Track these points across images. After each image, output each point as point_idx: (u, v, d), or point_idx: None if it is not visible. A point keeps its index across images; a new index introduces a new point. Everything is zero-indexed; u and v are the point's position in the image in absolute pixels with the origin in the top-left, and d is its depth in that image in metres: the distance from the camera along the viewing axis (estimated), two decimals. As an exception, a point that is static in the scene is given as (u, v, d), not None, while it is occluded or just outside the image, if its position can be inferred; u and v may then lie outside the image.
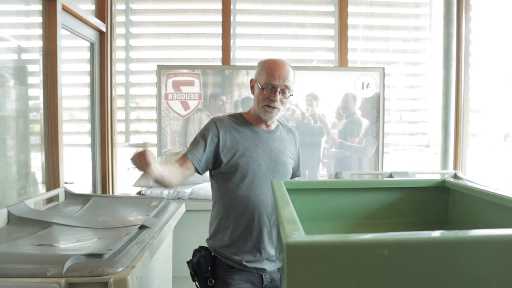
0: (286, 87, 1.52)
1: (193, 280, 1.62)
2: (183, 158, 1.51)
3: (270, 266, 1.57)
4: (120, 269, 1.21)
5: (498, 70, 3.01)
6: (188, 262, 1.63)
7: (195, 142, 1.56)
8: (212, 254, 1.60)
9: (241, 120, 1.62)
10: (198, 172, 1.56)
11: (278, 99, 1.51)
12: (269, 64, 1.55)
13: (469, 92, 3.22)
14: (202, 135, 1.55)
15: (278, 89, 1.51)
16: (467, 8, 3.19)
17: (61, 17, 2.31)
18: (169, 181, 1.44)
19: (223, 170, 1.56)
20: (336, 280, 0.60)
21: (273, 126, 1.64)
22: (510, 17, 2.70)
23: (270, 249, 1.56)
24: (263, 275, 1.57)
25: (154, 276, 1.69)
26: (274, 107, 1.52)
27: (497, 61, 3.02)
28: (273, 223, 1.07)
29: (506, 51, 2.87)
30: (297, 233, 0.62)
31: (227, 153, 1.54)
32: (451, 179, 1.23)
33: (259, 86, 1.54)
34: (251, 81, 1.63)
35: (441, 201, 1.28)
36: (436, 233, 0.63)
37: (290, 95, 1.56)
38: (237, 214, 1.56)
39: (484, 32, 3.14)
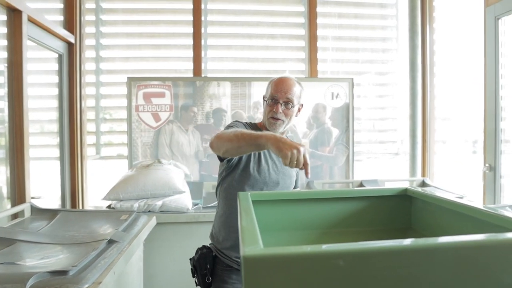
0: (288, 99, 1.63)
1: (193, 276, 1.71)
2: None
3: None
4: (86, 286, 1.19)
5: (462, 79, 3.12)
6: (190, 259, 1.73)
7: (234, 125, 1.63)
8: (213, 253, 1.70)
9: (256, 128, 1.72)
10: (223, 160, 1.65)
11: (281, 110, 1.63)
12: (275, 80, 1.69)
13: (435, 101, 3.33)
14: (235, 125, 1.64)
15: (281, 101, 1.63)
16: (431, 20, 3.31)
17: (27, 28, 2.27)
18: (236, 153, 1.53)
19: (235, 171, 1.65)
20: (294, 291, 0.62)
21: None
22: (472, 26, 2.82)
23: None
24: None
25: (123, 291, 1.66)
26: (278, 119, 1.64)
27: (460, 71, 3.14)
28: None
29: (469, 60, 2.99)
30: (254, 246, 0.63)
31: (238, 158, 1.64)
32: (413, 188, 1.27)
33: (265, 100, 1.70)
34: (263, 97, 1.76)
35: (405, 209, 1.32)
36: (389, 242, 0.65)
37: (293, 107, 1.65)
38: (228, 222, 1.66)
39: (447, 43, 3.27)
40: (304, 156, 1.26)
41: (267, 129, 1.71)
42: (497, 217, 0.87)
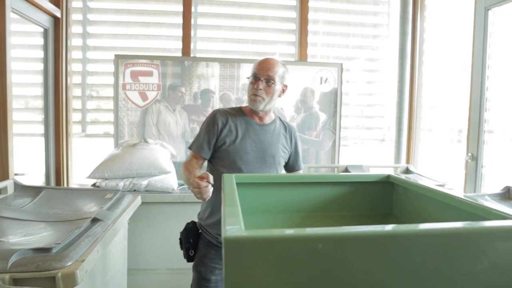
0: (269, 76, 1.68)
1: (181, 249, 1.81)
2: (195, 155, 1.76)
3: None
4: (69, 263, 1.19)
5: (450, 68, 3.15)
6: (181, 232, 1.83)
7: (199, 135, 1.78)
8: (199, 230, 1.81)
9: (238, 112, 1.81)
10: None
11: (261, 87, 1.68)
12: (259, 60, 1.75)
13: (422, 89, 3.35)
14: (205, 127, 1.77)
15: (262, 78, 1.69)
16: (422, 8, 3.31)
17: (10, 0, 2.20)
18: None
19: (216, 155, 1.76)
20: (272, 273, 0.63)
21: (267, 120, 1.81)
22: (462, 16, 2.83)
23: None
24: None
25: (107, 269, 1.68)
26: (258, 95, 1.69)
27: (449, 59, 3.16)
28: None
29: (457, 50, 3.01)
30: (235, 228, 0.65)
31: (221, 140, 1.74)
32: (395, 175, 1.29)
33: (248, 79, 1.75)
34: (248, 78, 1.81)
35: (387, 195, 1.34)
36: (366, 228, 0.67)
37: (274, 84, 1.70)
38: (212, 198, 1.71)
39: (437, 31, 3.27)
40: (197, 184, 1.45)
41: (250, 112, 1.79)
42: (474, 206, 0.89)
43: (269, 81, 1.69)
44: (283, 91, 1.80)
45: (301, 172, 1.94)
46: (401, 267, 0.67)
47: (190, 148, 1.79)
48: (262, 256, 0.62)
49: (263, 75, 1.69)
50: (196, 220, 1.88)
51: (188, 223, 1.84)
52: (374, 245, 0.65)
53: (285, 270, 0.63)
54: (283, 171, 1.90)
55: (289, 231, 0.65)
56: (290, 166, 1.90)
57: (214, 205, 1.73)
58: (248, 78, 1.76)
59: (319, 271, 0.65)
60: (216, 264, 1.75)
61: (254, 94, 1.70)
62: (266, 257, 0.62)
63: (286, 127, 1.87)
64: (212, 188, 1.47)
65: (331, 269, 0.65)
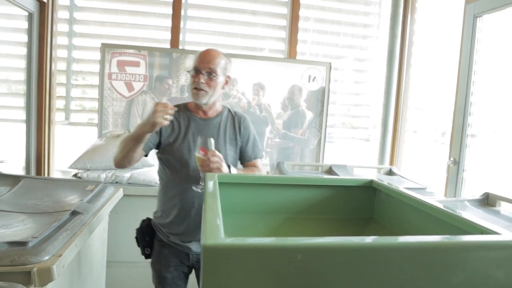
0: (211, 69, 1.64)
1: (138, 246, 1.82)
2: None
3: (197, 247, 1.72)
4: (46, 258, 1.17)
5: (437, 71, 3.18)
6: (136, 230, 1.83)
7: None
8: (153, 227, 1.80)
9: (182, 109, 1.77)
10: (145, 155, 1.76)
11: (203, 80, 1.64)
12: (199, 52, 1.70)
13: (409, 91, 3.38)
14: None
15: (203, 72, 1.64)
16: (412, 10, 3.33)
17: (-5, -17, 2.14)
18: (137, 155, 1.65)
19: (162, 153, 1.73)
20: (251, 282, 0.63)
21: (211, 114, 1.76)
22: (451, 21, 2.85)
23: (199, 233, 1.66)
24: (190, 255, 1.72)
25: (85, 262, 1.65)
26: (200, 89, 1.64)
27: (437, 63, 3.19)
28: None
29: (445, 54, 3.04)
30: (215, 235, 0.64)
31: (165, 138, 1.71)
32: (378, 180, 1.30)
33: (189, 72, 1.70)
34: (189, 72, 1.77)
35: (369, 200, 1.35)
36: (346, 239, 0.67)
37: (216, 77, 1.65)
38: (170, 195, 1.72)
39: (426, 35, 3.30)
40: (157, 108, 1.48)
41: (195, 107, 1.76)
42: (453, 217, 0.90)
43: (211, 73, 1.65)
44: (226, 82, 1.76)
45: (258, 161, 1.84)
46: (379, 279, 0.67)
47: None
48: (241, 264, 0.62)
49: (204, 68, 1.64)
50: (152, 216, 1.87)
51: (143, 220, 1.82)
52: (353, 257, 0.65)
53: (264, 279, 0.63)
54: (238, 165, 1.84)
55: (269, 240, 0.65)
56: (244, 156, 1.81)
57: (165, 205, 1.74)
58: (188, 72, 1.71)
59: (299, 281, 0.65)
60: (170, 262, 1.75)
61: (196, 88, 1.66)
62: (245, 265, 0.62)
63: (234, 117, 1.81)
64: (168, 118, 1.50)
65: (310, 279, 0.65)
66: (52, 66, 2.94)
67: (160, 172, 1.79)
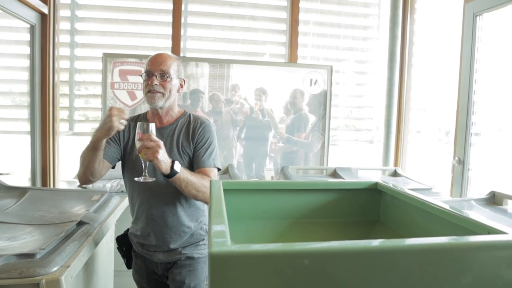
0: (162, 71, 1.59)
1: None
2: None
3: (164, 256, 1.68)
4: (54, 269, 1.17)
5: (439, 71, 3.18)
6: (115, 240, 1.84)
7: (106, 142, 1.62)
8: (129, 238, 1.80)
9: (141, 119, 1.72)
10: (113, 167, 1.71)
11: (156, 82, 1.58)
12: (149, 57, 1.65)
13: (411, 91, 3.38)
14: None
15: (156, 74, 1.58)
16: (412, 11, 3.33)
17: (-3, -3, 2.16)
18: (98, 166, 1.56)
19: (125, 168, 1.71)
20: (259, 288, 0.63)
21: (167, 121, 1.69)
22: (451, 20, 2.86)
23: (166, 243, 1.66)
24: (158, 264, 1.70)
25: (93, 273, 1.66)
26: (155, 91, 1.58)
27: (438, 62, 3.19)
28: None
29: (446, 53, 3.04)
30: (222, 242, 0.64)
31: (123, 151, 1.69)
32: (383, 182, 1.30)
33: (142, 77, 1.65)
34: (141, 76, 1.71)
35: (374, 202, 1.35)
36: (352, 243, 0.67)
37: (169, 78, 1.60)
38: (133, 207, 1.72)
39: (427, 34, 3.30)
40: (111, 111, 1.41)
41: (152, 116, 1.69)
42: (459, 217, 0.90)
43: (164, 75, 1.59)
44: (181, 85, 1.71)
45: (208, 170, 1.63)
46: (387, 282, 0.67)
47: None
48: (249, 271, 0.62)
49: (156, 70, 1.58)
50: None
51: (125, 231, 1.82)
52: (360, 260, 0.66)
53: (272, 285, 0.63)
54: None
55: (276, 246, 0.65)
56: (195, 162, 1.65)
57: (134, 215, 1.73)
58: (141, 76, 1.64)
59: (307, 286, 0.65)
60: (145, 272, 1.75)
61: (150, 91, 1.58)
62: (252, 272, 0.62)
63: (190, 123, 1.68)
64: (123, 122, 1.43)
65: (318, 284, 0.65)
66: (55, 77, 2.96)
67: (126, 188, 1.77)
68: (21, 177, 2.76)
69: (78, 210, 1.78)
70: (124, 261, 1.80)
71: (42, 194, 1.96)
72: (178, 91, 1.69)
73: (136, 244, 1.74)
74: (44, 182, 2.89)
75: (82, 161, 1.56)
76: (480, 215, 1.01)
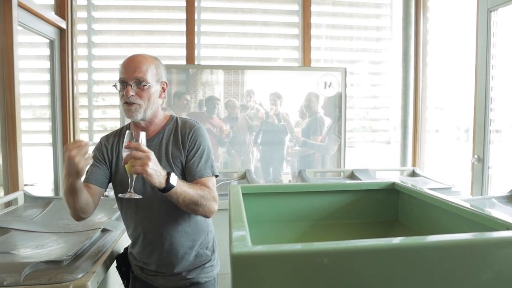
0: (137, 78, 1.35)
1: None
2: (85, 185, 1.38)
3: (166, 281, 1.49)
4: (80, 275, 1.21)
5: (455, 69, 3.15)
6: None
7: (91, 165, 1.44)
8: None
9: (123, 131, 1.51)
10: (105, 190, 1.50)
11: (132, 92, 1.35)
12: (123, 61, 1.42)
13: (427, 90, 3.35)
14: (95, 157, 1.45)
15: (130, 83, 1.35)
16: (424, 9, 3.31)
17: (17, 14, 2.24)
18: (85, 203, 1.33)
19: (114, 188, 1.51)
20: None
21: (153, 131, 1.47)
22: (465, 17, 2.83)
23: (168, 267, 1.48)
24: None
25: (116, 279, 1.69)
26: (132, 103, 1.36)
27: (453, 60, 3.16)
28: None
29: (461, 50, 3.01)
30: (242, 243, 0.66)
31: (109, 169, 1.48)
32: (400, 182, 1.30)
33: (115, 86, 1.42)
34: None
35: (392, 202, 1.35)
36: (371, 241, 0.68)
37: (146, 86, 1.36)
38: (128, 230, 1.53)
39: (440, 32, 3.27)
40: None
41: (135, 128, 1.48)
42: (478, 215, 0.90)
43: (140, 83, 1.36)
44: (164, 90, 1.47)
45: (206, 180, 1.43)
46: (405, 279, 0.68)
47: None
48: (269, 271, 0.64)
49: (130, 79, 1.35)
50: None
51: (125, 249, 1.61)
52: (379, 258, 0.67)
53: (293, 284, 0.65)
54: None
55: (296, 246, 0.67)
56: (189, 173, 1.43)
57: (130, 237, 1.54)
58: (114, 86, 1.41)
59: (327, 285, 0.66)
60: None
61: (126, 103, 1.37)
62: (273, 272, 0.64)
63: (178, 129, 1.48)
64: (89, 156, 1.20)
65: (338, 282, 0.66)
66: (74, 89, 3.04)
67: (120, 211, 1.57)
68: (44, 187, 2.83)
69: (100, 218, 1.83)
70: (124, 283, 1.61)
71: (66, 204, 2.01)
72: (160, 96, 1.45)
73: (135, 267, 1.54)
74: (67, 192, 2.96)
75: (67, 205, 1.33)
76: (502, 212, 1.00)
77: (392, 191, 1.34)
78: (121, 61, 1.40)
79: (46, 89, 2.90)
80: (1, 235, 1.52)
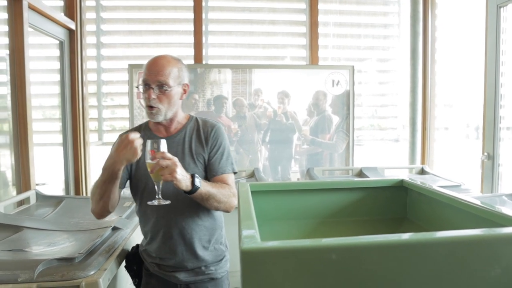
0: (160, 82, 1.41)
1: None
2: None
3: (185, 276, 1.51)
4: (92, 272, 1.23)
5: (464, 65, 3.12)
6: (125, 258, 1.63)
7: None
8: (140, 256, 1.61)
9: (143, 130, 1.56)
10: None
11: (154, 96, 1.41)
12: (148, 62, 1.47)
13: (436, 88, 3.33)
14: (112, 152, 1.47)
15: (153, 86, 1.41)
16: (432, 6, 3.29)
17: (28, 15, 2.27)
18: (118, 195, 1.45)
19: (132, 185, 1.55)
20: (289, 283, 0.65)
21: (174, 129, 1.54)
22: (473, 13, 2.81)
23: (187, 261, 1.50)
24: (178, 285, 1.52)
25: (127, 277, 1.71)
26: (152, 107, 1.42)
27: (462, 57, 3.14)
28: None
29: (470, 47, 2.98)
30: (252, 240, 0.67)
31: (128, 167, 1.52)
32: (408, 179, 1.30)
33: (138, 89, 1.50)
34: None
35: (401, 199, 1.35)
36: (378, 237, 0.69)
37: (168, 90, 1.42)
38: (145, 226, 1.55)
39: (449, 29, 3.25)
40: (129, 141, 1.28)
41: (155, 126, 1.55)
42: (487, 211, 0.90)
43: (162, 86, 1.41)
44: (185, 91, 1.52)
45: (226, 176, 1.51)
46: (413, 275, 0.69)
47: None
48: (278, 266, 0.64)
49: (153, 82, 1.40)
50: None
51: (133, 247, 1.64)
52: (387, 254, 0.67)
53: (302, 280, 0.66)
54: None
55: (304, 242, 0.67)
56: (210, 170, 1.51)
57: (147, 236, 1.55)
58: (136, 87, 1.51)
59: (335, 281, 0.67)
60: None
61: (148, 106, 1.43)
62: (281, 267, 0.65)
63: (200, 128, 1.54)
64: (139, 145, 1.28)
65: (346, 278, 0.67)
66: (84, 89, 3.07)
67: (136, 209, 1.62)
68: (56, 186, 2.87)
69: (111, 216, 1.84)
70: (135, 282, 1.62)
71: (77, 202, 2.05)
72: (181, 98, 1.51)
73: (151, 264, 1.55)
74: (77, 191, 3.00)
75: (98, 197, 1.40)
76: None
77: (400, 189, 1.34)
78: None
79: (56, 89, 2.93)
80: (15, 233, 1.55)
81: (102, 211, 1.43)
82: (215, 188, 1.42)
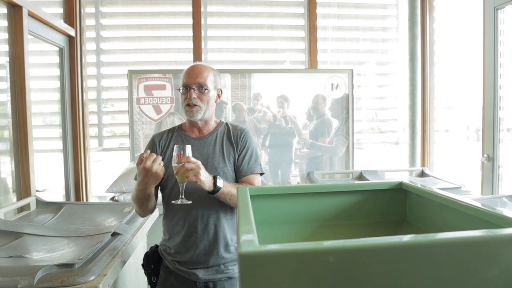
0: (199, 84, 1.56)
1: (145, 274, 1.72)
2: None
3: (205, 274, 1.58)
4: (92, 278, 1.23)
5: (463, 68, 3.13)
6: (143, 257, 1.73)
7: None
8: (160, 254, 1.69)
9: (176, 131, 1.70)
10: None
11: (194, 95, 1.56)
12: (186, 69, 1.63)
13: (435, 90, 3.34)
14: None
15: (193, 87, 1.56)
16: (430, 9, 3.30)
17: (28, 23, 2.28)
18: (154, 201, 1.60)
19: (162, 183, 1.63)
20: (288, 287, 0.65)
21: (206, 131, 1.66)
22: (471, 15, 2.82)
23: (208, 257, 1.57)
24: (197, 283, 1.57)
25: (127, 282, 1.71)
26: (194, 105, 1.57)
27: (461, 59, 3.14)
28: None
29: (469, 49, 2.99)
30: (250, 243, 0.67)
31: (164, 165, 1.57)
32: (407, 182, 1.30)
33: (179, 91, 1.64)
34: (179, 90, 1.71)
35: (400, 202, 1.34)
36: (377, 239, 0.68)
37: (207, 90, 1.57)
38: (171, 221, 1.63)
39: (447, 32, 3.26)
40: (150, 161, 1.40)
41: (189, 127, 1.67)
42: (487, 213, 0.90)
43: (201, 87, 1.57)
44: (219, 96, 1.68)
45: (253, 177, 1.64)
46: (411, 276, 0.68)
47: (135, 179, 1.55)
48: (276, 269, 0.64)
49: (193, 84, 1.56)
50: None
51: (151, 247, 1.73)
52: (386, 256, 0.67)
53: (300, 283, 0.65)
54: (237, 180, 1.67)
55: (303, 245, 0.67)
56: (239, 171, 1.63)
57: (170, 231, 1.63)
58: (178, 90, 1.64)
59: (334, 283, 0.66)
60: None
61: (188, 105, 1.57)
62: (279, 270, 0.64)
63: (230, 131, 1.67)
64: (161, 164, 1.42)
65: (346, 280, 0.67)
66: (84, 96, 3.08)
67: (163, 206, 1.70)
68: (56, 192, 2.87)
69: (111, 222, 1.85)
70: (153, 280, 1.67)
71: (77, 208, 2.04)
72: (216, 101, 1.66)
73: (171, 262, 1.62)
74: (78, 197, 3.00)
75: (138, 205, 1.57)
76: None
77: (399, 191, 1.34)
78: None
79: (56, 96, 2.94)
80: (15, 239, 1.55)
81: (145, 213, 1.64)
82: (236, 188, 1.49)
